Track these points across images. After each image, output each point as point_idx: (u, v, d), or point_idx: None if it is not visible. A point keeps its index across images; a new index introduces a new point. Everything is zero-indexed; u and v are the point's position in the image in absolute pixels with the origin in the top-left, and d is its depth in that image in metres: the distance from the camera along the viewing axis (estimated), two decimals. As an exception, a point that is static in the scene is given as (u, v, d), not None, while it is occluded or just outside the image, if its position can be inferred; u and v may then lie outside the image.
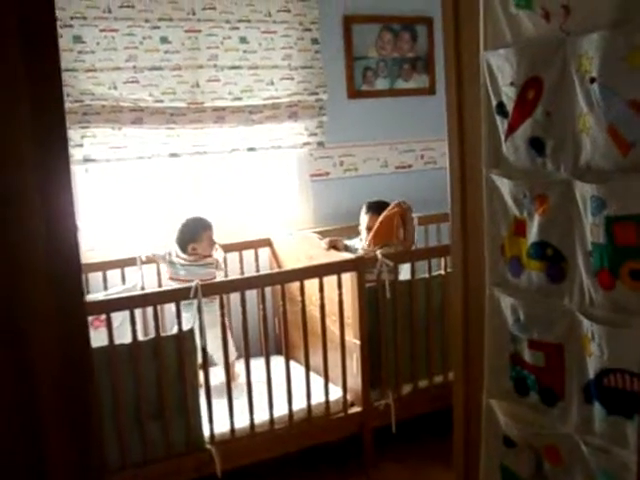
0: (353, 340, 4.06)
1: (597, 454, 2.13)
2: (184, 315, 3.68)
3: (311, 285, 4.03)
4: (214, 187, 4.92)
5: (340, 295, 3.99)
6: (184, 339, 3.61)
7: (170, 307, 3.87)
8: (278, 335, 4.56)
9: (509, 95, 2.26)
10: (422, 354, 4.26)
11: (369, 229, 4.51)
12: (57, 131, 1.28)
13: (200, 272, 4.24)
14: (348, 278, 4.01)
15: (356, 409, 4.14)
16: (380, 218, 4.41)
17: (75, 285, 1.31)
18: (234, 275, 4.60)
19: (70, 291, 1.32)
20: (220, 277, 4.37)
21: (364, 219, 4.59)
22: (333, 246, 4.35)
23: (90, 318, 3.86)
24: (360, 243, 4.57)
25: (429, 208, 4.92)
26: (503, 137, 2.31)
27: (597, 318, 2.07)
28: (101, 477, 1.43)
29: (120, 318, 3.86)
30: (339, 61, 5.11)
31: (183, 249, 4.35)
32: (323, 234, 4.64)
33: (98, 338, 3.65)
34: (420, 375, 4.27)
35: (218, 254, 4.45)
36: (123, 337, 3.63)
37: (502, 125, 2.31)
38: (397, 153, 5.39)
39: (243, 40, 4.71)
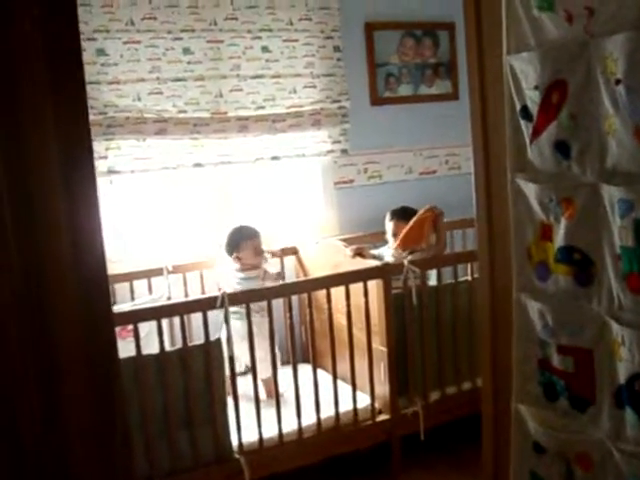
0: (380, 347, 4.04)
1: (629, 460, 2.11)
2: (234, 323, 3.77)
3: (337, 293, 4.02)
4: (239, 197, 4.92)
5: (366, 302, 3.98)
6: (211, 348, 3.61)
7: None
8: (305, 343, 4.56)
9: (533, 99, 2.24)
10: (450, 360, 4.23)
11: (395, 235, 4.50)
12: (82, 145, 1.28)
13: (248, 285, 4.22)
14: (374, 285, 4.00)
15: (384, 417, 4.12)
16: (411, 222, 4.40)
17: (103, 296, 1.31)
18: (260, 284, 4.61)
19: (98, 302, 1.32)
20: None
21: (389, 226, 4.58)
22: (358, 253, 4.35)
23: (117, 328, 3.87)
24: (388, 251, 4.55)
25: (454, 214, 4.89)
26: (528, 141, 2.30)
27: (627, 322, 2.05)
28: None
29: (147, 328, 3.86)
30: (361, 68, 5.11)
31: (230, 256, 4.39)
32: (348, 241, 4.64)
33: (125, 348, 3.66)
34: (448, 382, 4.25)
35: (267, 264, 4.47)
36: (150, 347, 3.64)
37: (527, 129, 2.29)
38: (421, 159, 5.37)
39: (265, 49, 4.72)
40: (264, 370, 3.98)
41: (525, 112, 2.29)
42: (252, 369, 3.78)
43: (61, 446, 1.37)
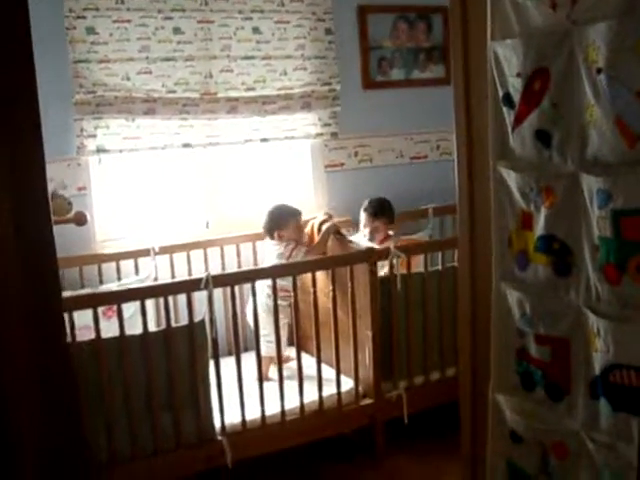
0: (365, 331, 4.04)
1: (603, 450, 2.10)
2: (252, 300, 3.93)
3: (324, 277, 4.02)
4: (228, 178, 4.90)
5: (352, 287, 3.97)
6: (195, 330, 3.61)
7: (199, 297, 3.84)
8: (290, 327, 4.55)
9: (516, 86, 2.22)
10: (435, 346, 4.23)
11: (365, 226, 4.62)
12: (30, 130, 1.26)
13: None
14: (360, 269, 3.99)
15: (368, 401, 4.12)
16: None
17: (51, 279, 1.30)
18: (248, 266, 4.60)
19: (46, 284, 1.31)
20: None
21: (363, 216, 4.67)
22: (337, 232, 4.39)
23: (102, 308, 3.88)
24: (363, 239, 4.57)
25: (445, 199, 4.88)
26: (510, 129, 2.28)
27: (603, 313, 2.04)
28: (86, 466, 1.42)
29: (132, 309, 3.86)
30: (354, 51, 5.08)
31: (270, 235, 4.46)
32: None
33: (110, 328, 3.66)
34: (432, 367, 4.25)
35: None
36: (136, 327, 3.63)
37: (509, 116, 2.28)
38: (412, 144, 5.35)
39: (256, 30, 4.69)
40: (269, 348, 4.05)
41: (507, 99, 2.27)
42: (235, 348, 3.78)
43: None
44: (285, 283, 4.03)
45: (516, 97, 2.23)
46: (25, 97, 1.28)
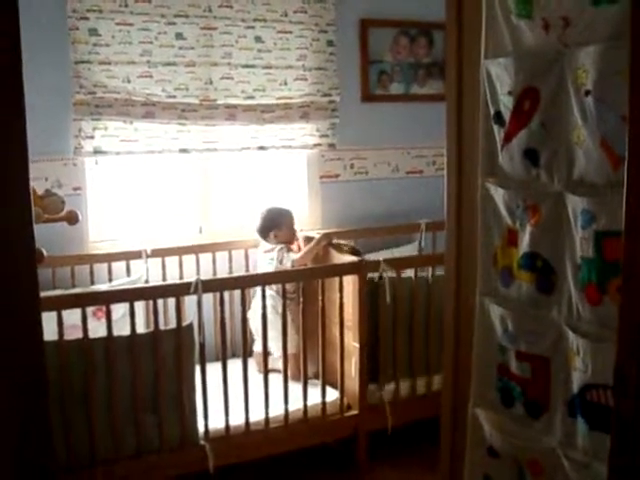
0: (353, 343, 4.05)
1: (578, 469, 2.12)
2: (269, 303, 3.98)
3: (313, 286, 4.04)
4: (223, 185, 4.93)
5: (341, 297, 3.99)
6: (183, 334, 3.62)
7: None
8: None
9: (506, 104, 2.26)
10: (422, 359, 4.25)
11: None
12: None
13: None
14: (350, 281, 4.01)
15: (353, 412, 4.13)
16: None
17: (28, 276, 1.31)
18: (239, 272, 4.62)
19: (21, 282, 1.32)
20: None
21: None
22: (330, 244, 4.39)
23: (92, 309, 3.90)
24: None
25: (438, 214, 4.88)
26: (499, 146, 2.31)
27: (583, 333, 2.06)
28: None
29: (122, 310, 3.87)
30: (354, 64, 5.11)
31: (266, 236, 4.50)
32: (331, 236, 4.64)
33: (100, 329, 3.67)
34: (418, 380, 4.26)
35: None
36: (126, 329, 3.63)
37: (499, 134, 2.31)
38: (409, 158, 5.38)
39: (258, 39, 4.72)
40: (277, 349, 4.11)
41: (498, 117, 2.30)
42: (222, 353, 3.79)
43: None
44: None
45: (506, 115, 2.26)
46: (7, 91, 1.30)
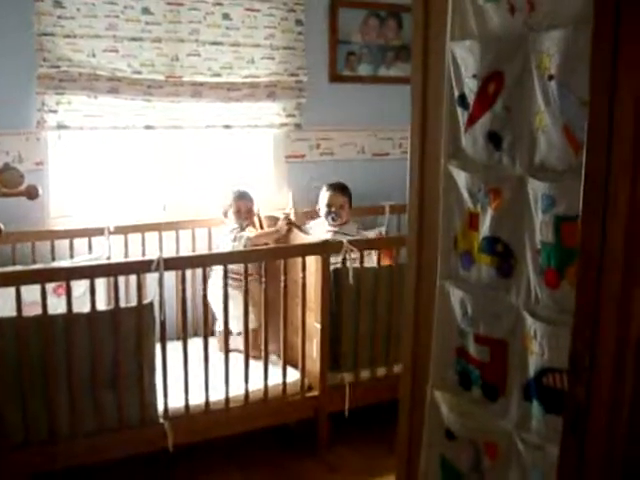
0: (315, 324, 4.05)
1: (532, 451, 2.14)
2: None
3: (277, 266, 4.02)
4: (188, 163, 4.89)
5: (304, 278, 3.98)
6: (143, 312, 3.60)
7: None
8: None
9: (471, 87, 2.24)
10: (383, 341, 4.26)
11: (330, 206, 4.64)
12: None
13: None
14: (312, 261, 4.01)
15: (313, 393, 4.14)
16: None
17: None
18: (202, 251, 4.60)
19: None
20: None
21: (325, 196, 4.69)
22: (290, 223, 4.44)
23: (52, 285, 3.86)
24: (320, 225, 4.60)
25: (403, 197, 4.88)
26: (463, 129, 2.30)
27: (540, 317, 2.07)
28: None
29: (83, 288, 3.84)
30: (322, 44, 5.08)
31: (224, 215, 4.57)
32: (297, 216, 4.64)
33: (60, 305, 3.64)
34: (379, 362, 4.28)
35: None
36: (87, 306, 3.60)
37: (462, 117, 2.29)
38: (375, 140, 5.38)
39: (226, 16, 4.67)
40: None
41: (462, 100, 2.29)
42: (183, 330, 3.78)
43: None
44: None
45: (470, 98, 2.25)
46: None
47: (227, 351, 3.87)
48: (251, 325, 4.05)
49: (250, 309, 3.97)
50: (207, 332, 3.84)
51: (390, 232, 5.14)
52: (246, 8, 4.73)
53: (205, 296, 3.81)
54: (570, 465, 1.67)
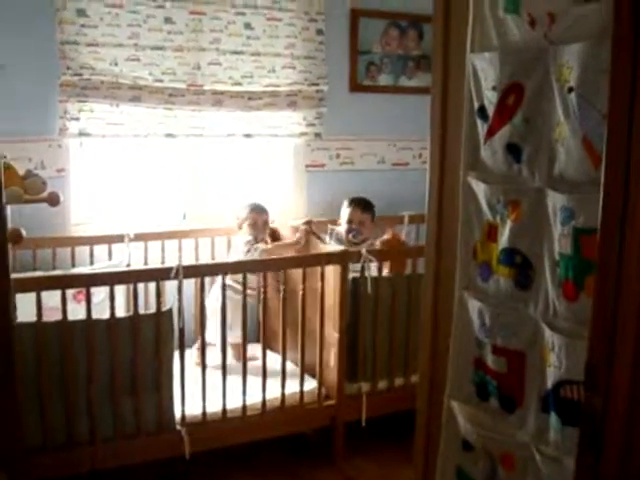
0: (333, 333, 4.06)
1: (549, 463, 2.13)
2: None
3: (296, 275, 4.04)
4: (208, 171, 4.92)
5: (322, 287, 3.99)
6: (162, 319, 3.62)
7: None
8: (258, 323, 4.57)
9: (491, 99, 2.25)
10: (401, 351, 4.26)
11: (350, 222, 4.59)
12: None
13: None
14: (331, 271, 4.01)
15: (330, 402, 4.14)
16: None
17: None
18: (221, 260, 4.62)
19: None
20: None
21: (346, 212, 4.67)
22: (311, 232, 4.45)
23: (73, 291, 3.88)
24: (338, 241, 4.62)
25: (423, 207, 4.89)
26: (482, 141, 2.31)
27: (558, 329, 2.07)
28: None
29: (103, 294, 3.85)
30: (343, 54, 5.11)
31: (239, 227, 4.60)
32: (315, 225, 4.64)
33: (81, 312, 3.66)
34: (397, 372, 4.28)
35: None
36: (106, 312, 3.62)
37: (482, 129, 2.30)
38: (395, 150, 5.39)
39: (247, 26, 4.70)
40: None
41: (482, 112, 2.29)
42: (201, 340, 3.79)
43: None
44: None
45: (490, 110, 2.26)
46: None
47: (245, 359, 3.88)
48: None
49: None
50: (225, 340, 3.85)
51: (408, 242, 5.14)
52: (267, 18, 4.76)
53: (224, 304, 3.82)
54: (586, 478, 1.66)
